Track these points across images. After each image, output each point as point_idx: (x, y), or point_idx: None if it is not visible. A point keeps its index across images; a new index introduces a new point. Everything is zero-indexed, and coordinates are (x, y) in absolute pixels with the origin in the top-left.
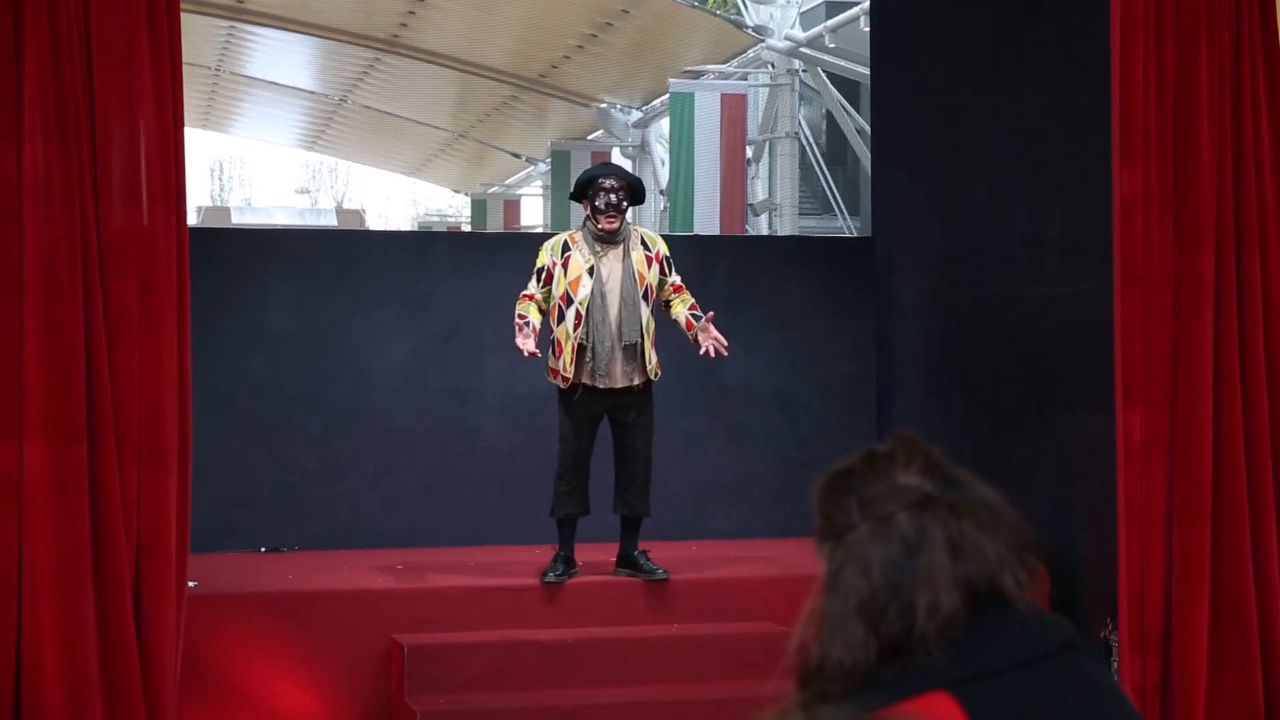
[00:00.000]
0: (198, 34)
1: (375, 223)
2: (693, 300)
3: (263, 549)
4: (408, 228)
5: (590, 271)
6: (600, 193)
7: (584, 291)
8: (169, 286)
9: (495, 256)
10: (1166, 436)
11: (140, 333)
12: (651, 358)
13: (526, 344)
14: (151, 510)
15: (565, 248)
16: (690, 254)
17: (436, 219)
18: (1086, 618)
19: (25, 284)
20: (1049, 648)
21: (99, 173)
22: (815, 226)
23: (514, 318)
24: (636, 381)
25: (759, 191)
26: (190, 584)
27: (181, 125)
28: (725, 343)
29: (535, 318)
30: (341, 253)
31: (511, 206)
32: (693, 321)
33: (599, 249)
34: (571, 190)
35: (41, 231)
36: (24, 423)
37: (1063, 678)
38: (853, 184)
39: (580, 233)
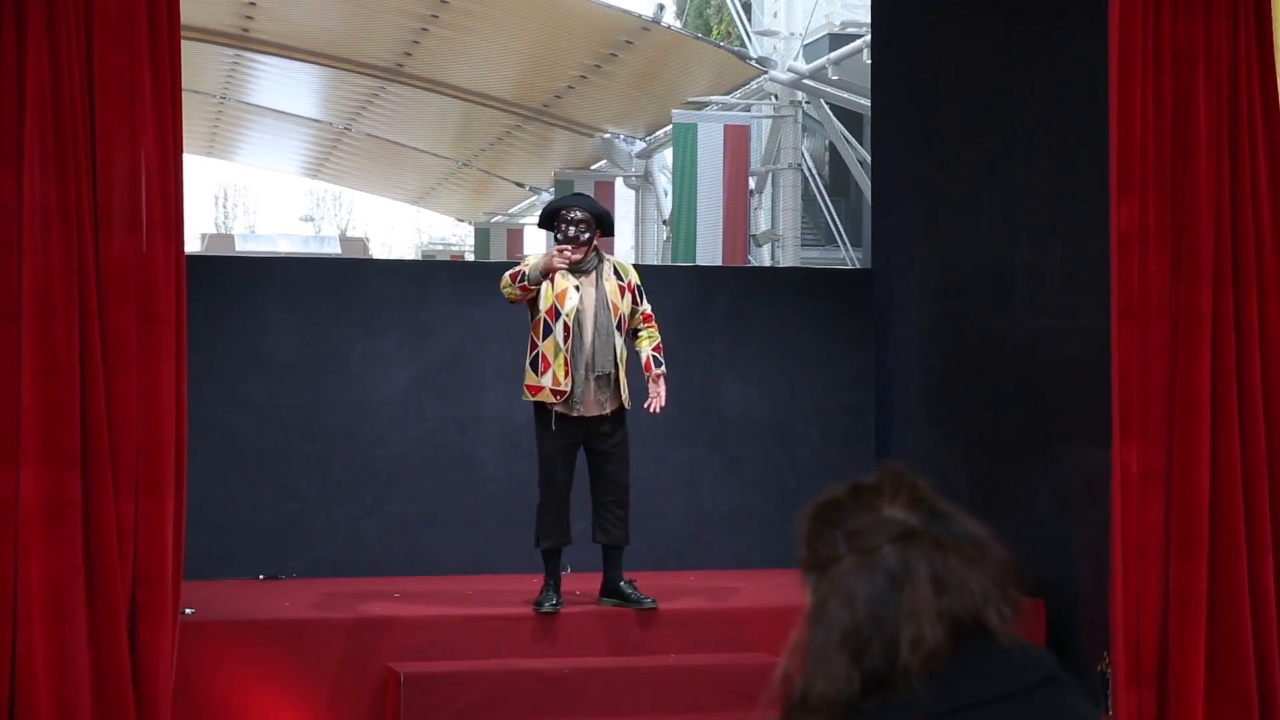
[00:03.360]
0: (203, 62)
1: (379, 251)
2: (659, 340)
3: (261, 576)
4: (411, 256)
5: (576, 288)
6: (563, 224)
7: (571, 304)
8: (167, 314)
9: (496, 286)
10: (1163, 470)
11: (138, 360)
12: (625, 387)
13: (555, 258)
14: (147, 537)
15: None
16: (690, 284)
17: (440, 248)
18: (1084, 650)
19: (23, 310)
20: (1032, 681)
21: (99, 200)
22: (818, 257)
23: (516, 277)
24: (610, 409)
25: (761, 222)
26: (186, 611)
27: (181, 154)
28: (664, 404)
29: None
30: (342, 281)
31: (515, 236)
32: (652, 365)
33: (573, 277)
34: (539, 219)
35: (39, 258)
36: (20, 449)
37: (1044, 711)
38: (855, 215)
39: None
